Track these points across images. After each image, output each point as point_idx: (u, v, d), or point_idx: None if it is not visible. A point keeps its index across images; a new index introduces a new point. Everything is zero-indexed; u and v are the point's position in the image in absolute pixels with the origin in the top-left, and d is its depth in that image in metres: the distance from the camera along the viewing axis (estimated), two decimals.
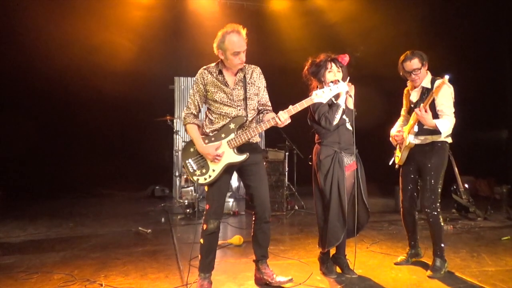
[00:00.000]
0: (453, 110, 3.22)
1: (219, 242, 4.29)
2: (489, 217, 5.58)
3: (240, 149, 2.83)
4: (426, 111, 3.08)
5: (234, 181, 7.48)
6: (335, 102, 3.10)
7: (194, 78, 2.99)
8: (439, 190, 3.32)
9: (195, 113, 2.92)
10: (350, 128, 3.23)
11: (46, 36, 5.70)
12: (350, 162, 3.22)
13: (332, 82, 3.00)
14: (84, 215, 6.21)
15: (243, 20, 6.85)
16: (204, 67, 2.94)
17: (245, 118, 2.85)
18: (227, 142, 2.81)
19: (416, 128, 3.26)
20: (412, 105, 3.37)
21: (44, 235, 4.89)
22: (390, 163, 3.64)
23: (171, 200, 7.64)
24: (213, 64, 2.94)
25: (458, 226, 5.13)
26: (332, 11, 6.25)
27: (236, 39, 2.75)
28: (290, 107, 2.80)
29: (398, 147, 3.53)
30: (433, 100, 3.19)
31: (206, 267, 2.90)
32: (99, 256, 3.86)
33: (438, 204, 3.28)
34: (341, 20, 6.28)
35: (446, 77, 3.08)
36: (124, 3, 5.55)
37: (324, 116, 3.09)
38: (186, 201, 6.25)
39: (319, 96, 2.81)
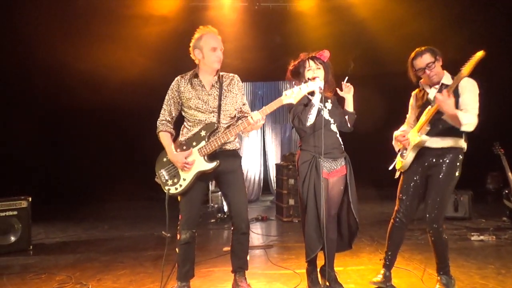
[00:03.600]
0: (477, 111, 2.75)
1: (224, 248, 4.30)
2: None
3: (212, 157, 2.76)
4: (449, 96, 2.63)
5: None
6: (310, 101, 2.90)
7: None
8: (447, 203, 2.94)
9: (169, 119, 2.88)
10: (335, 130, 2.99)
11: (63, 54, 6.09)
12: (336, 167, 2.97)
13: (309, 79, 2.85)
14: (123, 218, 6.59)
15: (265, 22, 6.82)
16: (181, 75, 2.93)
17: (216, 125, 2.77)
18: (198, 149, 2.74)
19: (428, 126, 2.84)
20: (432, 103, 2.88)
21: (77, 237, 5.28)
22: (390, 168, 3.16)
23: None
24: (189, 72, 2.93)
25: (505, 237, 4.48)
26: (361, 6, 5.85)
27: (213, 37, 2.80)
28: (264, 107, 2.71)
29: (400, 152, 3.08)
30: (458, 98, 2.76)
31: (183, 276, 2.86)
32: (107, 259, 4.05)
33: (441, 221, 2.84)
34: (369, 16, 5.87)
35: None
36: (140, 20, 5.73)
37: (297, 116, 2.90)
38: (216, 205, 6.35)
39: (289, 96, 2.66)
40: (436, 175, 2.87)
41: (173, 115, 2.90)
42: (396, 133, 3.12)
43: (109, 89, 6.25)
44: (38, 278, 3.51)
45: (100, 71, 6.08)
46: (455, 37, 5.19)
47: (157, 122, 2.90)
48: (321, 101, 2.92)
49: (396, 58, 6.01)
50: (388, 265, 3.08)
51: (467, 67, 2.60)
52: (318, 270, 3.09)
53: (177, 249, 2.86)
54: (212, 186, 6.46)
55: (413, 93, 3.15)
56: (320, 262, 3.07)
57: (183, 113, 2.91)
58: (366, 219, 5.93)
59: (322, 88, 2.85)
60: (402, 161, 3.02)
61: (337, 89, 3.05)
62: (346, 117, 3.06)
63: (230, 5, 6.13)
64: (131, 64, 6.05)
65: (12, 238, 4.46)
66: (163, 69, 5.29)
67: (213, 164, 2.73)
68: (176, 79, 2.91)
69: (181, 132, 2.92)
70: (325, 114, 2.95)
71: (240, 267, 2.90)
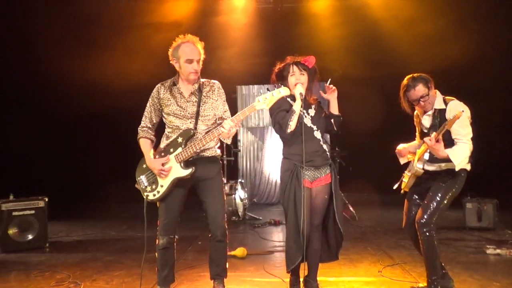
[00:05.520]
0: (470, 135, 2.81)
1: None
2: None
3: (189, 163, 2.78)
4: (438, 141, 2.69)
5: None
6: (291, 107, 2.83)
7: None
8: (440, 211, 2.86)
9: (150, 126, 2.93)
10: (318, 137, 2.90)
11: (74, 64, 6.42)
12: (320, 175, 2.89)
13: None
14: (143, 218, 6.77)
15: (283, 24, 6.74)
16: (161, 82, 2.99)
17: (192, 131, 2.78)
18: (175, 156, 2.77)
19: (427, 156, 2.92)
20: (426, 130, 2.99)
21: (93, 236, 5.51)
22: (395, 187, 3.28)
23: None
24: (169, 80, 2.97)
25: None
26: (374, 6, 5.64)
27: (190, 48, 2.81)
28: (237, 114, 2.72)
29: (406, 172, 3.18)
30: (445, 121, 2.77)
31: (162, 280, 2.91)
32: (110, 260, 4.19)
33: (433, 225, 2.84)
34: (383, 16, 5.64)
35: (461, 110, 2.63)
36: (150, 28, 5.85)
37: (278, 123, 2.85)
38: (229, 208, 6.37)
39: (261, 102, 2.63)
40: (435, 186, 2.91)
41: (154, 121, 2.95)
42: (399, 147, 3.20)
43: (122, 94, 6.47)
44: (41, 276, 3.70)
45: (111, 80, 6.28)
46: (464, 36, 4.87)
47: (138, 128, 2.95)
48: (303, 108, 2.87)
49: (408, 58, 5.81)
50: (442, 274, 3.01)
51: (450, 123, 2.63)
52: (302, 280, 3.02)
53: (156, 254, 2.91)
54: (227, 189, 6.50)
55: (414, 112, 3.15)
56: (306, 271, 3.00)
57: (163, 120, 2.95)
58: (382, 226, 5.72)
59: (303, 95, 2.79)
60: (404, 182, 3.14)
61: (321, 92, 2.98)
62: (332, 120, 2.98)
63: (244, 8, 6.14)
64: (140, 72, 6.21)
65: (30, 236, 4.74)
66: (173, 74, 5.38)
67: (188, 171, 2.74)
68: (156, 86, 2.95)
69: (161, 139, 2.96)
70: (307, 121, 2.88)
71: (217, 274, 2.90)
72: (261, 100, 2.61)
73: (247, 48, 6.61)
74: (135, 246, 4.84)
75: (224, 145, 6.83)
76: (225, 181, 6.80)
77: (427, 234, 2.83)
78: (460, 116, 2.56)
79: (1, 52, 6.42)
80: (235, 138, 8.44)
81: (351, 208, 6.25)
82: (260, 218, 6.43)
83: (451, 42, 4.93)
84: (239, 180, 6.74)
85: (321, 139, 2.91)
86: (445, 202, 2.86)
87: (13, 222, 4.64)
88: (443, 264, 3.03)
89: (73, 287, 3.37)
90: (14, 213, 4.66)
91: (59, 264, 4.07)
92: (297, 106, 2.78)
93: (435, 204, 2.84)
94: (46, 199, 4.87)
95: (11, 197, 4.76)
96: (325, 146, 2.92)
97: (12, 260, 4.28)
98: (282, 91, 2.59)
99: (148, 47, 6.11)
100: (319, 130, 2.90)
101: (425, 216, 2.83)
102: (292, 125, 2.77)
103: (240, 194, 6.44)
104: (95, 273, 3.73)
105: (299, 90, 2.76)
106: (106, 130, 7.80)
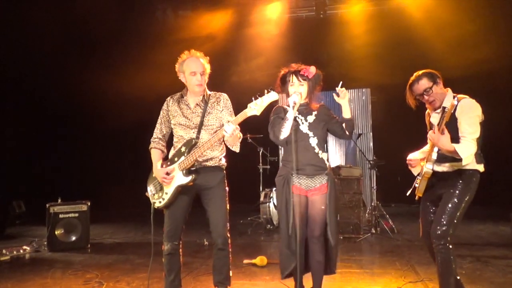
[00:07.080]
0: (476, 135, 2.65)
1: (245, 261, 4.35)
2: None
3: (190, 171, 2.88)
4: (442, 133, 2.56)
5: None
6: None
7: None
8: (456, 221, 2.69)
9: (161, 137, 3.08)
10: (313, 144, 2.86)
11: (111, 80, 6.90)
12: (315, 185, 2.86)
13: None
14: (188, 224, 7.03)
15: (317, 30, 6.66)
16: (171, 96, 3.14)
17: (194, 141, 2.89)
18: (178, 164, 2.89)
19: (434, 155, 2.74)
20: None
21: (132, 239, 5.84)
22: (408, 193, 3.12)
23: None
24: (178, 93, 3.12)
25: None
26: (411, 10, 5.38)
27: (193, 62, 2.95)
28: (232, 120, 2.80)
29: (418, 176, 3.04)
30: (456, 123, 2.68)
31: (169, 285, 3.02)
32: (139, 262, 4.43)
33: (450, 238, 2.66)
34: (418, 20, 5.35)
35: (455, 102, 2.59)
36: (183, 44, 6.07)
37: (272, 129, 2.86)
38: (264, 216, 6.40)
39: (253, 108, 2.69)
40: (447, 193, 2.77)
41: (164, 133, 3.09)
42: (408, 157, 3.08)
43: (156, 106, 6.88)
44: (74, 274, 4.01)
45: (146, 93, 6.65)
46: (498, 39, 4.46)
47: (150, 139, 3.11)
48: (301, 115, 2.88)
49: (446, 62, 5.43)
50: None
51: (448, 114, 2.56)
52: None
53: (163, 259, 3.03)
54: (261, 197, 6.54)
55: (426, 112, 3.06)
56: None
57: (172, 131, 3.09)
58: (421, 240, 5.38)
59: (297, 103, 2.78)
60: (417, 187, 2.98)
61: (334, 94, 2.93)
62: (344, 124, 2.92)
63: (278, 18, 6.19)
64: (172, 86, 6.55)
65: (73, 237, 5.15)
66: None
67: (189, 178, 2.84)
68: (166, 99, 3.11)
69: (170, 149, 3.10)
70: (304, 128, 2.88)
71: (220, 282, 2.95)
72: (252, 106, 2.65)
73: (282, 57, 6.64)
74: None
75: (260, 154, 6.92)
76: (261, 189, 6.87)
77: (441, 247, 2.65)
78: (453, 106, 2.51)
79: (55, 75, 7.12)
80: (276, 147, 8.44)
81: (390, 221, 5.98)
82: None
83: (485, 46, 4.55)
84: (274, 188, 6.73)
85: (316, 146, 2.86)
86: (460, 210, 2.69)
87: (59, 224, 5.08)
88: (462, 282, 2.82)
89: (97, 287, 3.61)
90: (61, 216, 5.10)
91: (93, 264, 4.38)
92: (290, 113, 2.77)
93: (448, 214, 2.68)
94: (89, 203, 5.26)
95: (59, 201, 5.22)
96: (322, 155, 2.87)
97: (55, 259, 4.68)
98: (271, 96, 2.63)
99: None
100: (315, 137, 2.87)
101: (439, 227, 2.67)
102: (284, 131, 2.76)
103: (275, 202, 6.44)
104: (121, 274, 3.96)
105: (293, 99, 2.76)
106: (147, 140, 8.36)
